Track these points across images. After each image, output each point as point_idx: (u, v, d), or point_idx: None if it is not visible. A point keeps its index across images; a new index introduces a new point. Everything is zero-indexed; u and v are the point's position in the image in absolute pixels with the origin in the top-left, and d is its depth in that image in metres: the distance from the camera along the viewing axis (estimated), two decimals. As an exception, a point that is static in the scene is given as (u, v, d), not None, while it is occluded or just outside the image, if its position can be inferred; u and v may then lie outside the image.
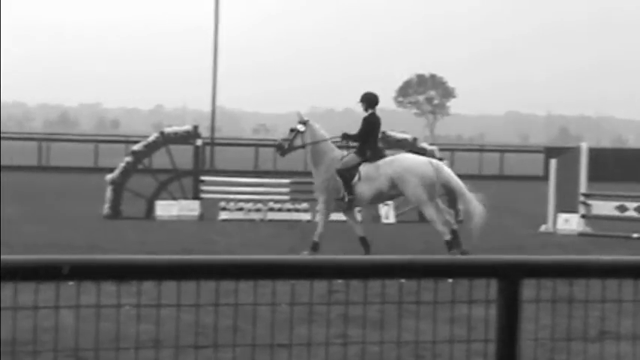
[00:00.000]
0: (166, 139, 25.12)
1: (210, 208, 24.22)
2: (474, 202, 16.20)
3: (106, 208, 24.11)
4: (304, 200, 24.58)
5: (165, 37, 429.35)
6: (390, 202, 23.96)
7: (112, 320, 4.11)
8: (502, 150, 57.41)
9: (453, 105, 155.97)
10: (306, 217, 24.29)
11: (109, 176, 24.47)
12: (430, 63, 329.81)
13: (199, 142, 25.43)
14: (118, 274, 3.49)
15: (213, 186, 25.13)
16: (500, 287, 3.58)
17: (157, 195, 24.65)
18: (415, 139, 26.13)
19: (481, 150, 59.33)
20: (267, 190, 25.13)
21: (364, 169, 16.93)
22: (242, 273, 3.59)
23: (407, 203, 22.90)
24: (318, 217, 17.64)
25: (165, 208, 24.34)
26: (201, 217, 24.17)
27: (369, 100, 17.23)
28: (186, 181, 25.08)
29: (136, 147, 25.25)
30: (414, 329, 4.06)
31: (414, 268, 3.66)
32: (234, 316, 3.89)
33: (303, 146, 17.88)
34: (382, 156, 17.13)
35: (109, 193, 24.19)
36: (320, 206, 17.50)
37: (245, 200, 24.50)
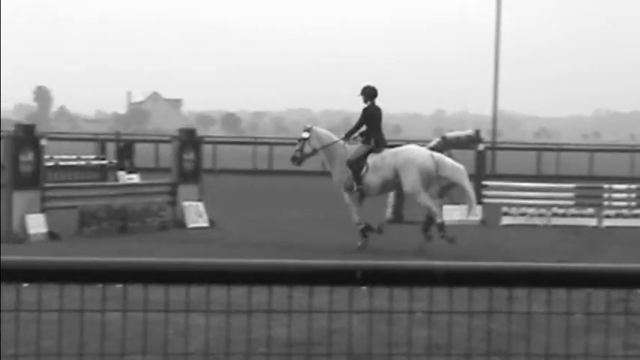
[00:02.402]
0: (448, 144, 25.13)
1: (492, 212, 24.02)
2: (472, 195, 18.08)
3: (388, 212, 24.38)
4: (589, 205, 24.04)
5: (445, 40, 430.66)
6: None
7: (401, 325, 4.10)
8: None
9: None
10: (592, 222, 23.69)
11: (392, 181, 24.73)
12: None
13: (481, 146, 25.30)
14: (409, 280, 3.48)
15: (495, 190, 24.93)
16: None
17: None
18: None
19: None
20: (550, 195, 24.70)
21: (371, 160, 18.29)
22: (535, 280, 3.50)
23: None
24: (351, 210, 18.81)
25: (448, 213, 24.29)
26: (483, 222, 24.02)
27: (368, 93, 18.57)
28: (468, 185, 24.97)
29: (418, 152, 25.39)
30: None
31: None
32: (527, 324, 3.80)
33: (314, 152, 19.11)
34: (386, 144, 18.56)
35: (391, 197, 24.44)
36: (346, 200, 18.85)
37: (528, 205, 24.16)
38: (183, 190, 22.22)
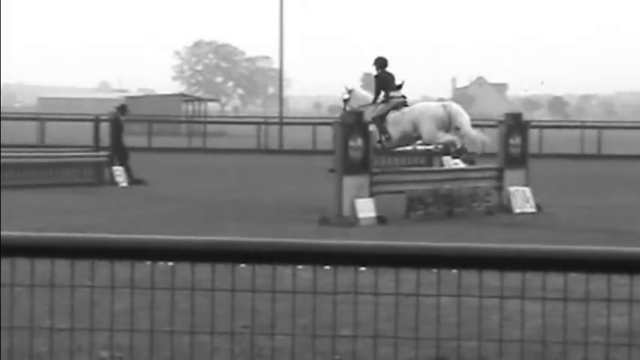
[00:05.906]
0: None
1: None
2: (475, 135, 21.07)
3: None
4: None
5: None
6: None
7: None
8: None
9: None
10: None
11: None
12: None
13: None
14: None
15: None
16: None
17: None
18: None
19: None
20: None
21: (392, 116, 21.14)
22: None
23: None
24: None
25: None
26: None
27: (379, 64, 21.55)
28: None
29: None
30: None
31: None
32: None
33: None
34: (405, 104, 21.43)
35: None
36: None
37: None
38: (510, 175, 22.04)
